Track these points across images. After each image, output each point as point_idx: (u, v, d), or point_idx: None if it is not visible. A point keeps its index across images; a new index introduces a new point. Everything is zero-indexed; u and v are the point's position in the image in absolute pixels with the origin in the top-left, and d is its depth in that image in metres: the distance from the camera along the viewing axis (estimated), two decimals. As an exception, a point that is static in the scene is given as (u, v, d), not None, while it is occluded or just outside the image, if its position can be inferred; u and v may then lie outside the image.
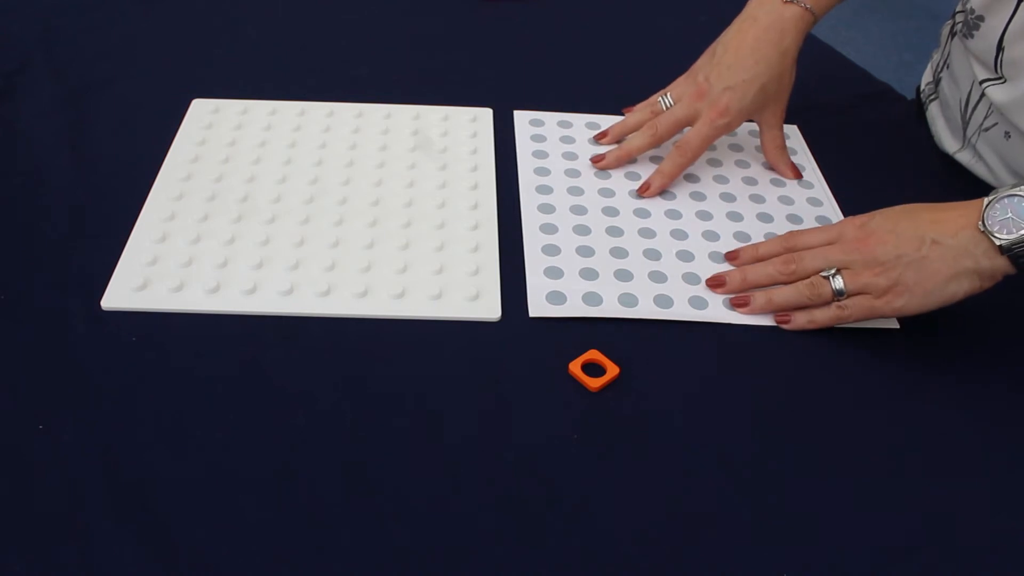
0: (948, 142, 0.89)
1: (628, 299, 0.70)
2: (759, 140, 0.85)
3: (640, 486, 0.58)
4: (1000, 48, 0.77)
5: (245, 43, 0.98)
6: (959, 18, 0.86)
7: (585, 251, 0.74)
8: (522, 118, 0.90)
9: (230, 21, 1.02)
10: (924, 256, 0.63)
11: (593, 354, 0.65)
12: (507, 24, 1.05)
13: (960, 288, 0.63)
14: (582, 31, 1.06)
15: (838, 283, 0.65)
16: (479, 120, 0.88)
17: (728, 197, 0.81)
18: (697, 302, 0.70)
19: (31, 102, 0.87)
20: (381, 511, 0.55)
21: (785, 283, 0.69)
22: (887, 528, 0.57)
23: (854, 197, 0.82)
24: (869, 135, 0.92)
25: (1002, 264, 0.61)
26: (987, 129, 0.83)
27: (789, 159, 0.84)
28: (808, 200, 0.82)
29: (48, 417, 0.59)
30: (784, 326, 0.68)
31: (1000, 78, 0.79)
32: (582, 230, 0.76)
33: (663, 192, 0.81)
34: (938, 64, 0.93)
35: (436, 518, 0.55)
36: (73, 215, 0.74)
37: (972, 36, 0.81)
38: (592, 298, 0.70)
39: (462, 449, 0.59)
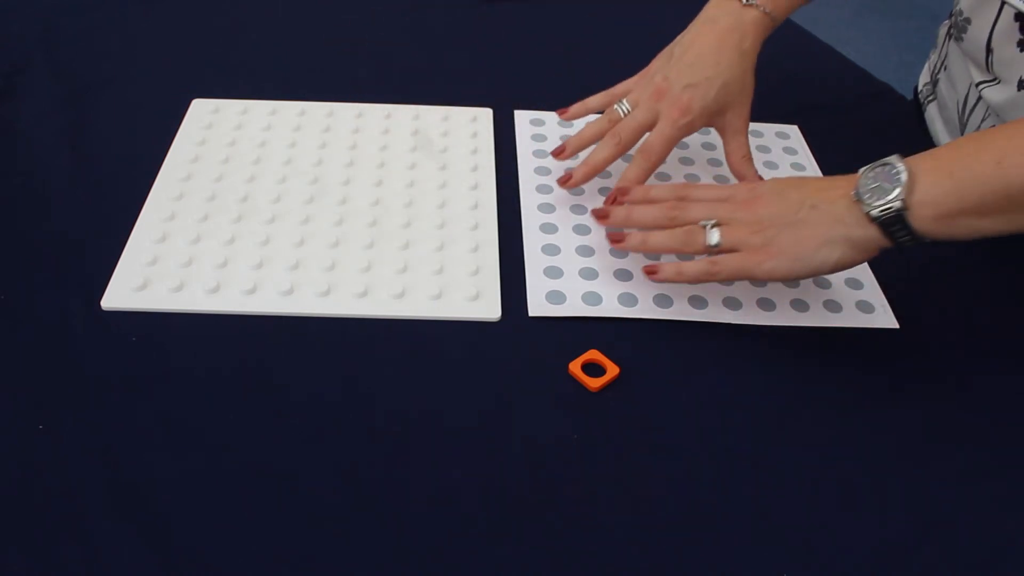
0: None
1: (628, 299, 0.70)
2: (724, 149, 0.78)
3: (640, 486, 0.58)
4: (989, 49, 0.77)
5: (245, 43, 0.98)
6: (952, 20, 0.86)
7: (585, 251, 0.74)
8: (522, 118, 0.90)
9: (230, 21, 1.02)
10: (800, 219, 0.62)
11: (593, 354, 0.65)
12: (507, 24, 1.06)
13: (831, 255, 0.61)
14: (582, 31, 1.06)
15: (713, 236, 0.64)
16: (479, 120, 0.88)
17: (728, 197, 0.81)
18: (697, 302, 0.70)
19: (31, 102, 0.87)
20: (381, 511, 0.55)
21: (666, 228, 0.67)
22: (887, 528, 0.57)
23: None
24: (869, 135, 0.92)
25: (874, 233, 0.60)
26: None
27: (755, 170, 0.77)
28: (808, 200, 0.82)
29: (48, 417, 0.59)
30: (652, 277, 0.67)
31: (995, 79, 0.79)
32: (582, 230, 0.76)
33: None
34: (935, 65, 0.93)
35: (436, 518, 0.55)
36: (73, 215, 0.74)
37: (962, 38, 0.81)
38: (592, 298, 0.70)
39: (462, 449, 0.59)
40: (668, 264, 0.67)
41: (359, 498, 0.56)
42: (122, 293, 0.67)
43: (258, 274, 0.70)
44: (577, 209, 0.78)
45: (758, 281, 0.71)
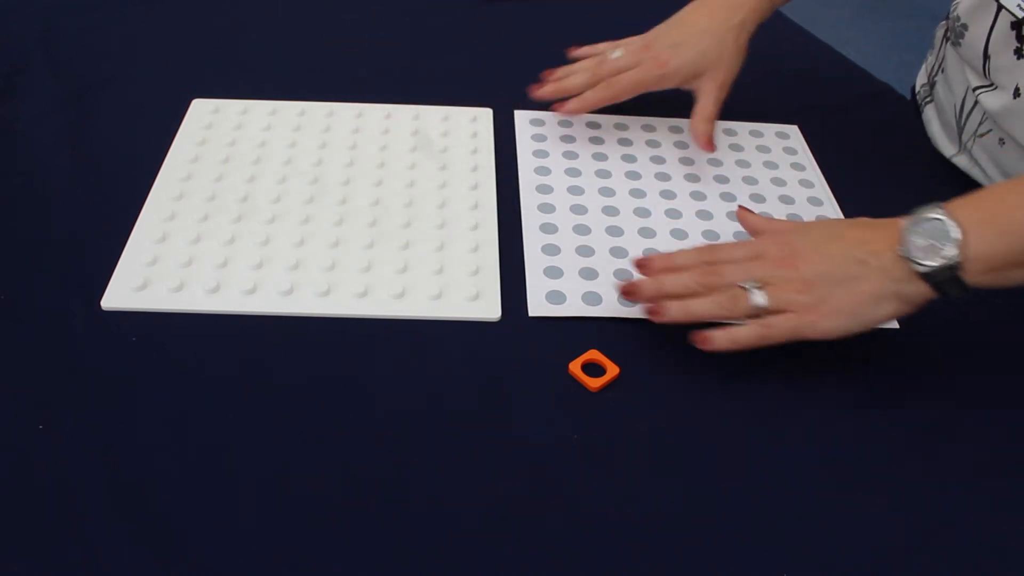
0: (944, 146, 0.89)
1: (628, 299, 0.70)
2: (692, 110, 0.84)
3: (640, 486, 0.58)
4: (986, 56, 0.77)
5: (245, 43, 0.98)
6: (949, 24, 0.86)
7: (585, 251, 0.74)
8: (522, 118, 0.90)
9: (230, 21, 1.02)
10: (851, 276, 0.60)
11: (593, 354, 0.65)
12: (507, 24, 1.06)
13: (884, 311, 0.61)
14: (582, 31, 1.06)
15: (758, 297, 0.61)
16: (479, 120, 0.88)
17: (728, 197, 0.81)
18: (697, 302, 0.70)
19: (31, 102, 0.87)
20: (381, 511, 0.55)
21: (702, 296, 0.64)
22: (886, 528, 0.57)
23: (854, 197, 0.82)
24: (869, 135, 0.92)
25: (924, 289, 0.59)
26: (982, 135, 0.83)
27: (711, 131, 0.82)
28: (808, 200, 0.82)
29: (48, 417, 0.59)
30: (703, 347, 0.62)
31: (992, 85, 0.79)
32: (582, 230, 0.76)
33: (662, 191, 0.81)
34: (933, 66, 0.93)
35: (436, 518, 0.55)
36: (73, 215, 0.74)
37: (960, 44, 0.81)
38: (592, 298, 0.70)
39: (462, 449, 0.59)
40: (720, 332, 0.62)
41: (359, 498, 0.56)
42: (122, 293, 0.67)
43: (258, 274, 0.70)
44: (577, 209, 0.78)
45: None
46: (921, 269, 0.58)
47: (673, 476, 0.59)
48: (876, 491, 0.59)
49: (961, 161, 0.87)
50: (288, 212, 0.75)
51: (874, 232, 0.62)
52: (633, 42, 0.85)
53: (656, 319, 0.64)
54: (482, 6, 1.08)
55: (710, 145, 0.83)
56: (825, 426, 0.63)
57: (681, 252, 0.67)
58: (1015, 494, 0.59)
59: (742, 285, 0.62)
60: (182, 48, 0.96)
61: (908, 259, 0.58)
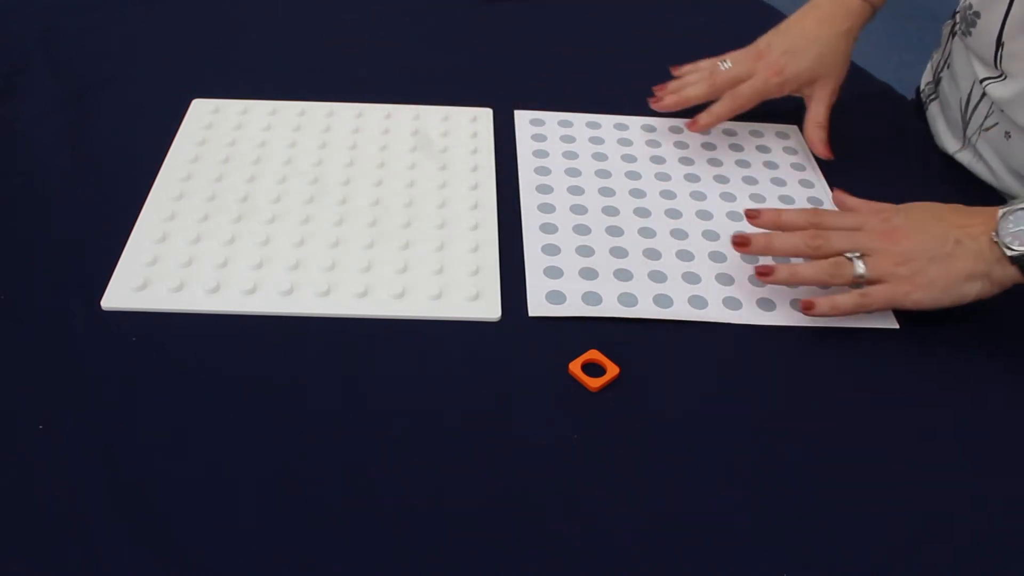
0: (948, 142, 0.89)
1: (628, 299, 0.70)
2: (805, 116, 0.86)
3: (640, 486, 0.58)
4: (999, 43, 0.77)
5: (245, 43, 0.98)
6: (958, 17, 0.86)
7: (585, 251, 0.74)
8: (522, 118, 0.90)
9: (230, 21, 1.02)
10: (949, 254, 0.65)
11: (593, 354, 0.65)
12: (507, 24, 1.05)
13: (972, 290, 0.65)
14: (582, 31, 1.06)
15: (860, 267, 0.66)
16: (479, 120, 0.88)
17: (728, 197, 0.82)
18: (697, 302, 0.70)
19: (31, 102, 0.87)
20: (381, 511, 0.55)
21: (807, 257, 0.69)
22: (887, 528, 0.57)
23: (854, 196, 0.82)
24: (869, 135, 0.92)
25: (1012, 273, 0.64)
26: (987, 129, 0.83)
27: (825, 137, 0.85)
28: (808, 200, 0.82)
29: (48, 417, 0.59)
30: (808, 312, 0.67)
31: (1001, 75, 0.79)
32: (582, 230, 0.76)
33: (662, 191, 0.81)
34: (938, 64, 0.93)
35: (436, 518, 0.55)
36: (73, 215, 0.74)
37: (970, 33, 0.81)
38: (592, 298, 0.70)
39: (462, 449, 0.59)
40: (823, 300, 0.67)
41: (359, 498, 0.56)
42: (122, 293, 0.67)
43: (258, 274, 0.70)
44: (577, 209, 0.79)
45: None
46: (1011, 253, 0.63)
47: (673, 476, 0.59)
48: (876, 491, 0.59)
49: (964, 157, 0.87)
50: (288, 212, 0.75)
51: (971, 218, 0.66)
52: (742, 53, 0.86)
53: (765, 280, 0.69)
54: (482, 6, 1.08)
55: (828, 151, 0.84)
56: (825, 426, 0.63)
57: (788, 210, 0.72)
58: (1016, 494, 0.59)
59: (847, 256, 0.67)
60: (182, 48, 0.96)
61: (1000, 243, 0.63)
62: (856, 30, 0.84)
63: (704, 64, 0.88)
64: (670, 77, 0.89)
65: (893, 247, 0.66)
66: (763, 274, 0.69)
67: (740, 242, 0.71)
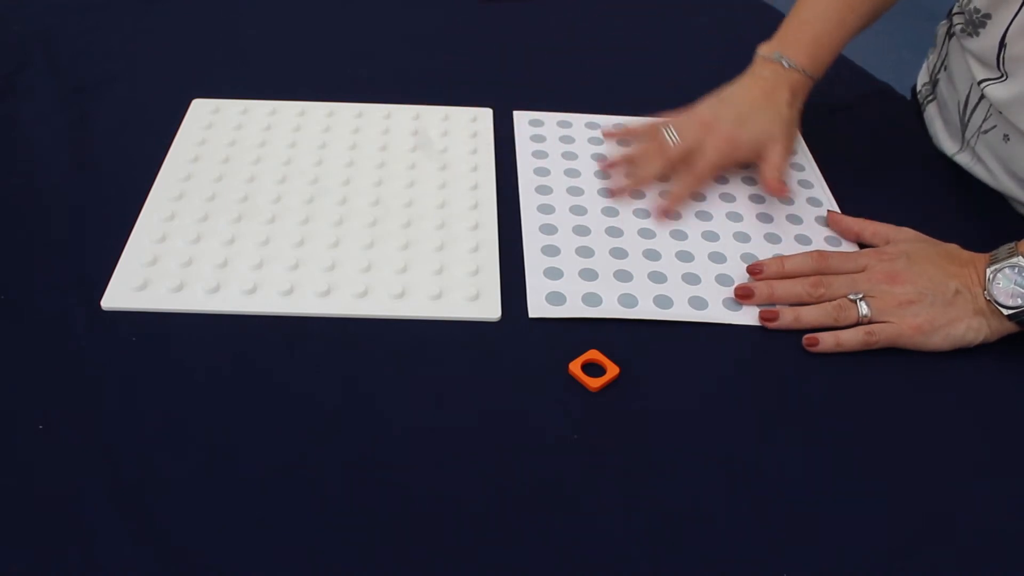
0: (946, 144, 0.89)
1: (628, 300, 0.70)
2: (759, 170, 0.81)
3: (640, 486, 0.58)
4: (1002, 44, 0.77)
5: (245, 43, 0.98)
6: (957, 19, 0.86)
7: (585, 252, 0.74)
8: (522, 118, 0.90)
9: (230, 21, 1.02)
10: (947, 302, 0.67)
11: (593, 354, 0.65)
12: (507, 24, 1.06)
13: (975, 337, 0.67)
14: (582, 31, 1.06)
15: (864, 309, 0.68)
16: (479, 120, 0.88)
17: (728, 198, 0.82)
18: (697, 302, 0.70)
19: (31, 102, 0.87)
20: (381, 511, 0.55)
21: (810, 304, 0.69)
22: (887, 528, 0.57)
23: (854, 197, 0.82)
24: (869, 135, 0.92)
25: (1009, 326, 0.67)
26: (986, 132, 0.83)
27: (785, 185, 0.80)
28: (808, 200, 0.82)
29: (48, 417, 0.59)
30: (811, 348, 0.67)
31: (1001, 76, 0.79)
32: (582, 230, 0.76)
33: (662, 192, 0.81)
34: (935, 65, 0.93)
35: (436, 518, 0.55)
36: (73, 215, 0.74)
37: (977, 34, 0.81)
38: (592, 299, 0.70)
39: (462, 449, 0.59)
40: (827, 336, 0.68)
41: (359, 498, 0.56)
42: (122, 293, 0.67)
43: (258, 274, 0.70)
44: (577, 210, 0.78)
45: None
46: (1007, 312, 0.65)
47: (673, 476, 0.59)
48: (876, 491, 0.59)
49: (963, 159, 0.87)
50: (288, 212, 0.75)
51: (961, 268, 0.69)
52: (684, 120, 0.82)
53: (769, 325, 0.69)
54: (482, 6, 1.08)
55: (783, 189, 0.80)
56: (825, 426, 0.63)
57: (792, 258, 0.73)
58: (1016, 494, 0.59)
59: (851, 298, 0.69)
60: (182, 48, 0.96)
61: (993, 302, 0.66)
62: (799, 102, 0.82)
63: (642, 130, 0.84)
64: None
65: (896, 289, 0.68)
66: (768, 319, 0.69)
67: (743, 294, 0.71)
